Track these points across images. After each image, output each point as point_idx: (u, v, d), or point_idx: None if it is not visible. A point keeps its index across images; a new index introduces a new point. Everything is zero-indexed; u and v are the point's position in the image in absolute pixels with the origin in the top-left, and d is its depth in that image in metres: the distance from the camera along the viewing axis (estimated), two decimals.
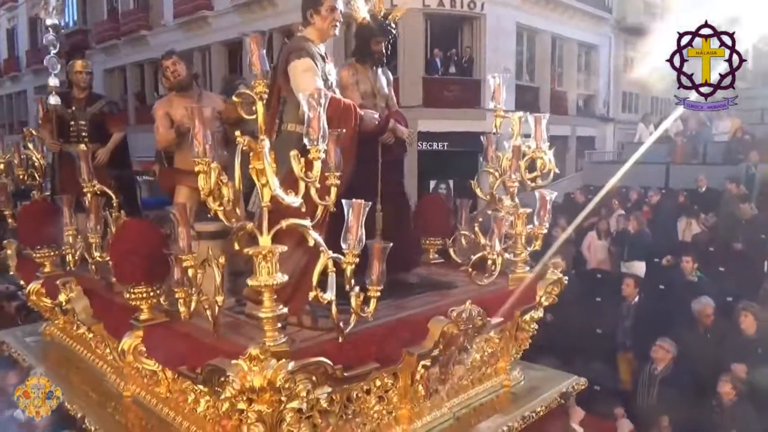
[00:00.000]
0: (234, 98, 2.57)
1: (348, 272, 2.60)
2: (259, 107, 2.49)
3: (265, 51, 2.58)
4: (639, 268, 9.26)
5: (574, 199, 13.29)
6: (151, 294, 3.01)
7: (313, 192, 2.55)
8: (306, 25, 3.14)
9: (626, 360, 7.05)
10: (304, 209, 2.53)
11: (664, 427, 5.18)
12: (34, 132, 4.78)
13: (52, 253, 4.12)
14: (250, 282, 2.46)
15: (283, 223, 2.50)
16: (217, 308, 2.75)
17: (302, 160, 2.47)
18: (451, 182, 17.67)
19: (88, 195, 3.59)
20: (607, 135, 23.47)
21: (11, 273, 4.79)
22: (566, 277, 3.68)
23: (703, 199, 11.57)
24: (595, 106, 23.09)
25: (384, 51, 3.67)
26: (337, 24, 3.12)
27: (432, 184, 17.45)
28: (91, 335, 3.81)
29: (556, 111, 20.41)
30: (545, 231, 3.56)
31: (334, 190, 2.63)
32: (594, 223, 10.26)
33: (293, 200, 2.46)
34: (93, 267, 3.83)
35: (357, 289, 2.71)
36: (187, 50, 21.02)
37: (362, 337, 2.79)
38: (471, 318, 2.98)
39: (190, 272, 2.66)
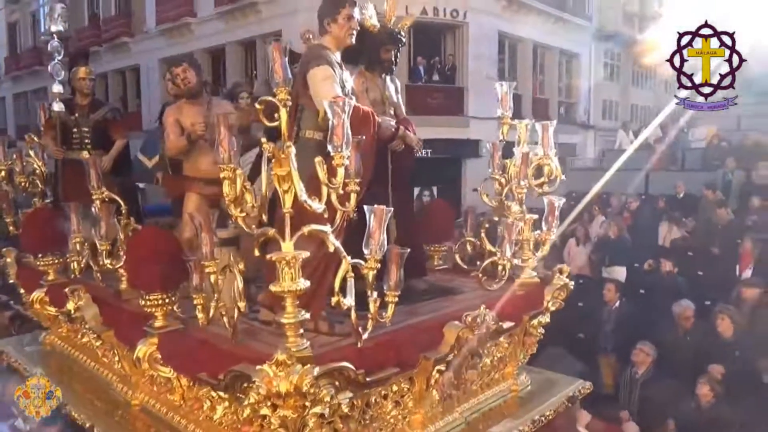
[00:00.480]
0: (256, 105, 2.59)
1: (370, 278, 2.62)
2: (283, 114, 2.51)
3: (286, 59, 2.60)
4: (620, 273, 9.41)
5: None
6: (167, 301, 3.00)
7: (334, 198, 2.58)
8: (323, 33, 3.17)
9: (608, 364, 7.16)
10: (326, 215, 2.57)
11: (671, 430, 5.27)
12: (35, 139, 4.74)
13: (56, 261, 4.08)
14: (273, 288, 2.48)
15: (305, 229, 2.52)
16: (236, 314, 2.75)
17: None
18: (434, 189, 17.77)
19: (97, 202, 3.57)
20: (588, 142, 23.78)
21: (11, 281, 4.73)
22: (572, 282, 3.74)
23: (682, 205, 11.81)
24: (576, 114, 23.39)
25: (393, 59, 3.71)
26: (354, 32, 3.15)
27: (416, 191, 17.52)
28: (98, 344, 3.77)
29: (537, 118, 20.53)
30: (553, 237, 3.62)
31: (354, 197, 2.66)
32: (574, 229, 10.39)
33: (317, 206, 2.48)
34: (98, 275, 3.81)
35: (374, 294, 2.75)
36: (169, 57, 20.92)
37: (380, 342, 2.81)
38: (485, 323, 3.02)
39: (212, 278, 2.66)
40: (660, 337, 6.59)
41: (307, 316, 2.53)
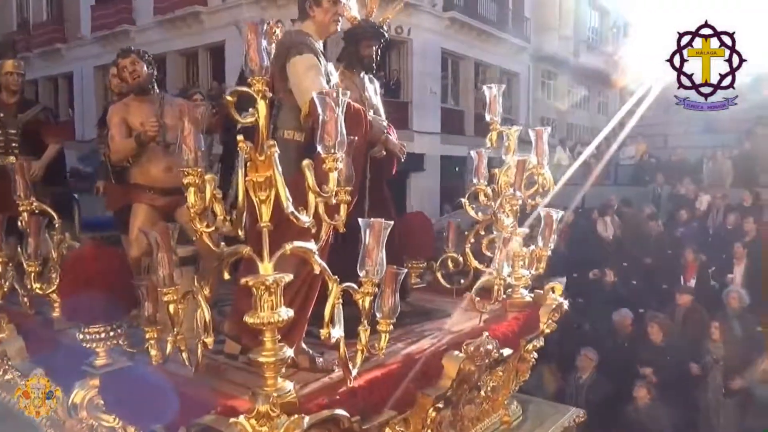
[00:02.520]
0: (228, 98, 2.14)
1: (366, 304, 2.21)
2: (261, 107, 2.08)
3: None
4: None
5: None
6: (111, 334, 2.48)
7: (321, 210, 2.17)
8: (304, 19, 2.73)
9: (549, 371, 7.19)
10: (314, 230, 2.15)
11: None
12: None
13: None
14: (249, 319, 2.04)
15: (288, 247, 2.10)
16: (200, 351, 2.27)
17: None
18: None
19: (25, 214, 3.01)
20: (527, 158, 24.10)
21: None
22: (567, 302, 3.43)
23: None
24: None
25: (374, 56, 3.34)
26: (339, 19, 2.74)
27: None
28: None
29: (480, 134, 20.84)
30: (549, 253, 3.29)
31: (344, 208, 2.25)
32: None
33: (305, 219, 2.06)
34: (26, 300, 3.23)
35: (366, 323, 2.34)
36: (105, 65, 19.95)
37: (373, 379, 2.40)
38: (487, 352, 2.65)
39: (171, 308, 2.17)
40: (599, 344, 6.89)
41: (290, 352, 2.10)
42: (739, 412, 6.09)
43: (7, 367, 3.22)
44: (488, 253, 3.56)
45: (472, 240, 3.49)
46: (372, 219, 2.21)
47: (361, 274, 2.20)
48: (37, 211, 3.05)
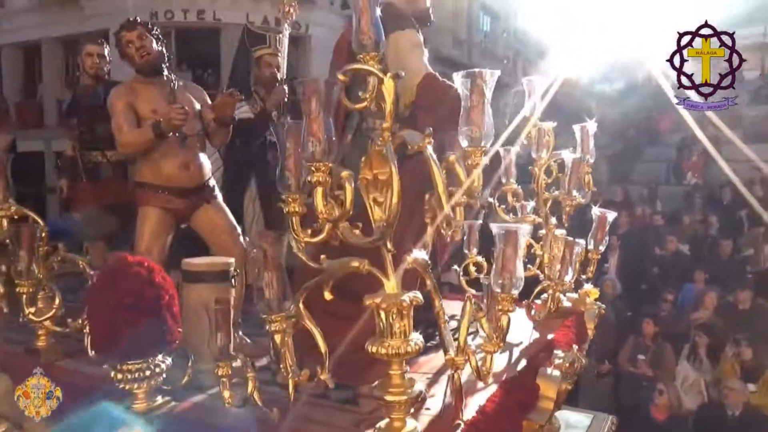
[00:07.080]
0: (339, 76, 1.72)
1: (504, 324, 1.88)
2: (389, 86, 1.69)
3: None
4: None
5: None
6: (156, 370, 1.98)
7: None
8: None
9: None
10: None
11: None
12: None
13: None
14: (374, 348, 1.67)
15: (409, 260, 1.76)
16: (291, 389, 1.83)
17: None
18: None
19: (4, 222, 2.36)
20: None
21: None
22: (604, 306, 3.27)
23: None
24: None
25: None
26: None
27: None
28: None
29: None
30: (599, 257, 3.11)
31: (460, 211, 1.91)
32: None
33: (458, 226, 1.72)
34: None
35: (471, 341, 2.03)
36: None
37: (484, 409, 2.07)
38: (580, 367, 2.41)
39: (278, 338, 1.72)
40: None
41: (422, 386, 1.75)
42: (611, 390, 6.61)
43: None
44: None
45: None
46: (506, 225, 1.89)
47: (496, 288, 1.87)
48: (16, 217, 2.41)
